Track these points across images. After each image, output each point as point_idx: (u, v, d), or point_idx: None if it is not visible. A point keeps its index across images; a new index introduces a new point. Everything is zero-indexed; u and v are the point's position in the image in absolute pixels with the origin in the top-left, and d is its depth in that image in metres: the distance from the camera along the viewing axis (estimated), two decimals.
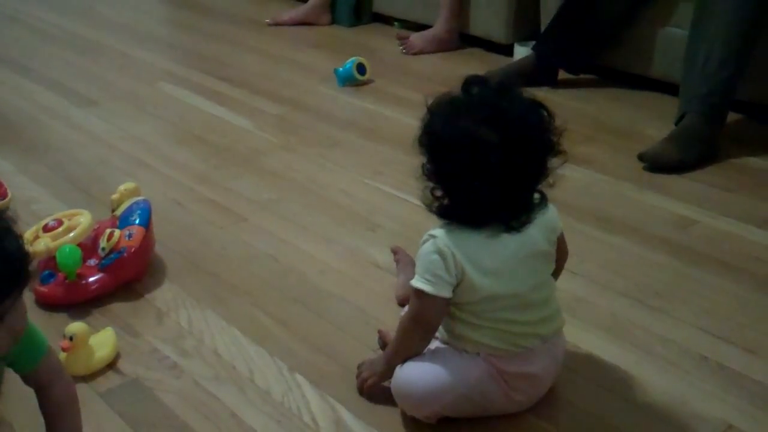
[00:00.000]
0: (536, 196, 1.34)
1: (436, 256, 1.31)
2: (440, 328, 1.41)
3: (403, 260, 1.82)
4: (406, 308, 1.59)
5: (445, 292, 1.32)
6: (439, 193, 1.33)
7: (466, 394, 1.37)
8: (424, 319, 1.37)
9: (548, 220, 1.37)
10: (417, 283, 1.34)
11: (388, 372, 1.43)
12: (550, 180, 1.32)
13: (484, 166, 1.24)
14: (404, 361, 1.41)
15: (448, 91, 1.33)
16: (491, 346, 1.36)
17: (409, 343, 1.41)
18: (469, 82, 1.31)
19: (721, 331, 1.64)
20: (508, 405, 1.40)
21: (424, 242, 1.34)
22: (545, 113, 1.29)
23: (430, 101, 1.33)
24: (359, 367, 1.51)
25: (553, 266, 1.42)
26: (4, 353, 1.21)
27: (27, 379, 1.31)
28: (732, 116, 2.51)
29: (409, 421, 1.42)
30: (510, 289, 1.33)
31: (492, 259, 1.32)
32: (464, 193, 1.29)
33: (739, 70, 2.38)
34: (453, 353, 1.39)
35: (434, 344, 1.42)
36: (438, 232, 1.33)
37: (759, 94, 2.57)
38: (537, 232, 1.35)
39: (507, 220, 1.31)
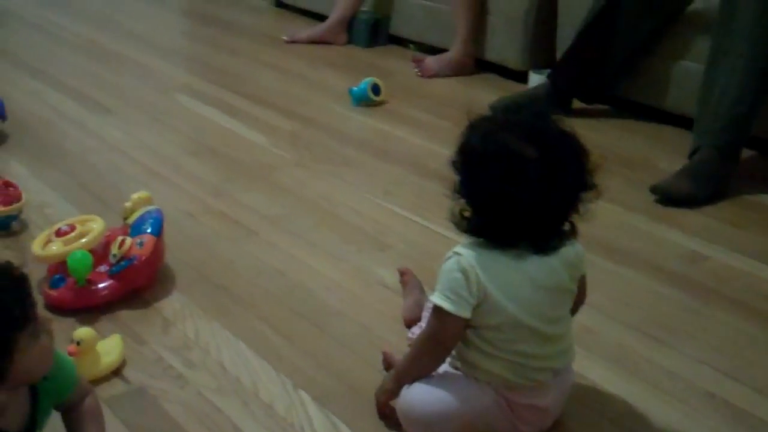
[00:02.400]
0: (567, 226, 1.34)
1: (459, 275, 1.30)
2: (452, 352, 1.40)
3: (411, 282, 1.81)
4: (413, 330, 1.60)
5: (465, 312, 1.31)
6: (467, 213, 1.32)
7: (471, 420, 1.37)
8: (440, 338, 1.36)
9: (575, 258, 1.36)
10: (437, 299, 1.33)
11: (397, 390, 1.42)
12: (581, 210, 1.32)
13: (521, 180, 1.24)
14: (414, 380, 1.40)
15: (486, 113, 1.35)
16: (504, 377, 1.35)
17: (421, 361, 1.40)
18: (501, 108, 1.32)
19: (728, 368, 1.64)
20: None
21: (448, 259, 1.33)
22: (582, 146, 1.31)
23: (470, 121, 1.34)
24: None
25: (572, 303, 1.41)
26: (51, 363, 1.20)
27: (60, 405, 1.31)
28: (746, 152, 2.51)
29: None
30: (530, 318, 1.32)
31: (515, 284, 1.31)
32: (498, 209, 1.28)
33: (754, 107, 2.38)
34: (462, 379, 1.38)
35: (443, 368, 1.42)
36: (463, 251, 1.32)
37: None
38: (562, 268, 1.34)
39: (536, 241, 1.30)
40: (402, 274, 1.85)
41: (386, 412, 1.46)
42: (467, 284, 1.30)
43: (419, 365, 1.40)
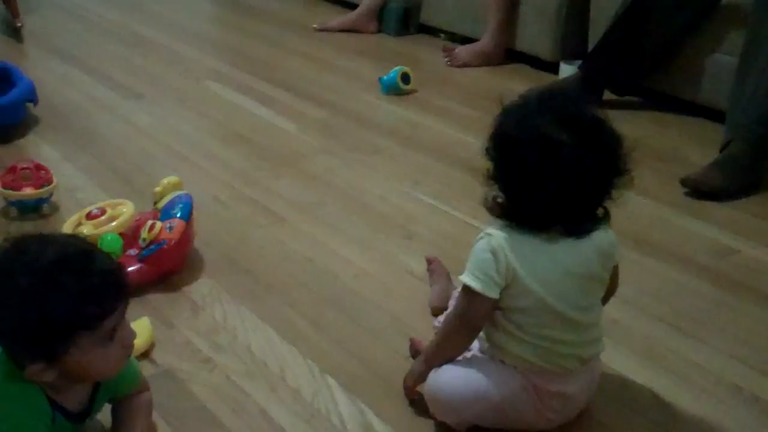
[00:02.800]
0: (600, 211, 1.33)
1: (488, 255, 1.31)
2: (480, 335, 1.40)
3: (438, 271, 1.82)
4: (440, 318, 1.60)
5: (493, 293, 1.31)
6: (500, 199, 1.32)
7: (498, 404, 1.37)
8: (468, 317, 1.36)
9: (608, 247, 1.36)
10: (466, 278, 1.33)
11: (426, 372, 1.42)
12: (614, 196, 1.31)
13: (556, 166, 1.24)
14: (443, 362, 1.40)
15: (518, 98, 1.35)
16: (531, 362, 1.35)
17: (451, 342, 1.40)
18: (539, 93, 1.33)
19: (757, 361, 1.63)
20: (538, 421, 1.40)
21: (479, 239, 1.34)
22: (616, 132, 1.30)
23: (503, 107, 1.34)
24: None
25: (603, 292, 1.40)
26: (120, 369, 1.24)
27: (115, 399, 1.35)
28: None
29: (437, 428, 1.42)
30: (559, 303, 1.32)
31: (546, 268, 1.31)
32: (532, 194, 1.28)
33: None
34: (491, 363, 1.38)
35: (472, 352, 1.42)
36: (494, 231, 1.32)
37: None
38: (594, 255, 1.34)
39: (568, 224, 1.30)
40: (429, 262, 1.85)
41: (414, 397, 1.47)
42: (496, 265, 1.30)
43: (448, 346, 1.41)
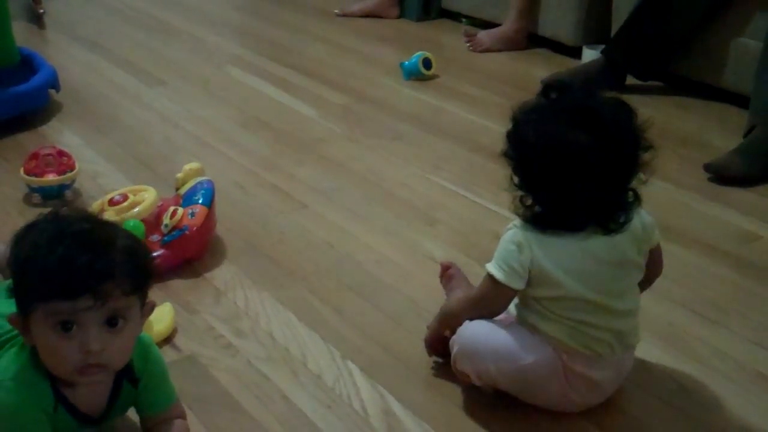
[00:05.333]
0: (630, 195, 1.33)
1: (513, 247, 1.32)
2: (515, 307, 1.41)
3: (457, 276, 1.65)
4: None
5: (515, 284, 1.33)
6: (529, 201, 1.33)
7: (525, 368, 1.36)
8: (488, 303, 1.39)
9: (642, 231, 1.36)
10: (491, 268, 1.35)
11: (436, 329, 1.48)
12: (643, 177, 1.31)
13: (579, 169, 1.25)
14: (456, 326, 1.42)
15: (528, 99, 1.34)
16: (561, 341, 1.35)
17: (466, 316, 1.41)
18: (550, 87, 1.33)
19: None
20: (561, 401, 1.40)
21: (508, 230, 1.35)
22: (630, 109, 1.30)
23: (513, 111, 1.33)
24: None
25: (640, 276, 1.40)
26: (70, 371, 1.19)
27: (146, 419, 1.33)
28: None
29: (458, 411, 1.43)
30: (593, 293, 1.32)
31: (574, 258, 1.32)
32: (559, 198, 1.29)
33: None
34: (523, 329, 1.38)
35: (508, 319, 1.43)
36: (522, 224, 1.33)
37: None
38: (626, 241, 1.34)
39: (604, 222, 1.31)
40: (445, 268, 1.68)
41: (436, 353, 1.51)
42: (519, 257, 1.31)
43: (463, 316, 1.42)
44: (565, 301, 1.33)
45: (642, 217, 1.36)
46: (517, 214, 1.34)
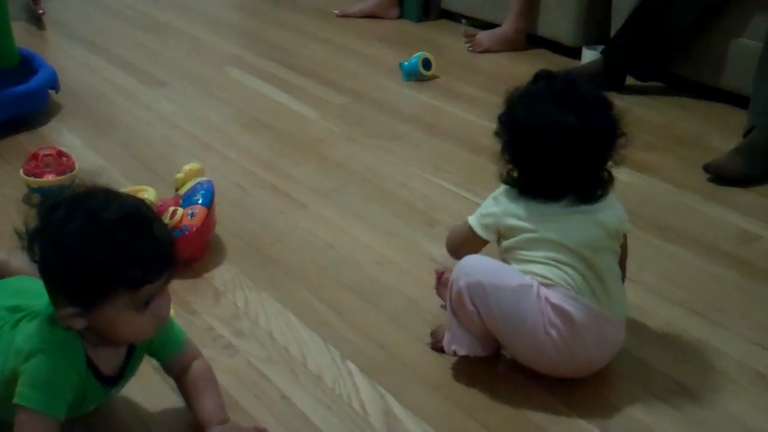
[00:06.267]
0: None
1: (490, 200, 1.51)
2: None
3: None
4: None
5: (486, 235, 1.51)
6: (516, 174, 1.48)
7: (509, 288, 1.43)
8: (458, 247, 1.58)
9: (617, 223, 1.48)
10: (471, 217, 1.53)
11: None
12: (617, 159, 1.46)
13: (565, 146, 1.40)
14: None
15: (519, 85, 1.49)
16: (539, 274, 1.44)
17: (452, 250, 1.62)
18: (539, 76, 1.48)
19: None
20: (539, 336, 1.43)
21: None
22: (608, 98, 1.47)
23: (505, 95, 1.49)
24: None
25: (615, 249, 1.49)
26: (148, 338, 1.28)
27: (169, 367, 1.38)
28: None
29: (457, 412, 1.43)
30: (565, 239, 1.43)
31: (547, 213, 1.45)
32: (543, 171, 1.44)
33: None
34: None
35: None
36: (504, 187, 1.50)
37: None
38: (600, 231, 1.46)
39: (581, 194, 1.45)
40: (439, 275, 1.71)
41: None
42: (494, 207, 1.49)
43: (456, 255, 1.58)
44: (540, 243, 1.44)
45: (616, 211, 1.49)
46: (503, 182, 1.49)
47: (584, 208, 1.45)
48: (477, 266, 1.47)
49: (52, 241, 1.19)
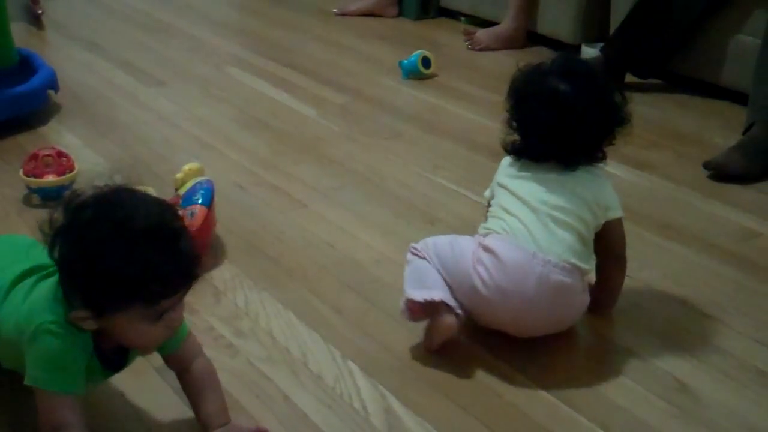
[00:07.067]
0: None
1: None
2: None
3: None
4: None
5: (488, 194, 1.66)
6: (514, 138, 1.61)
7: (447, 240, 1.60)
8: None
9: (592, 198, 1.55)
10: None
11: None
12: (614, 142, 1.58)
13: (557, 108, 1.53)
14: None
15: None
16: (486, 227, 1.56)
17: None
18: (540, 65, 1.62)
19: None
20: (471, 275, 1.51)
21: None
22: (611, 82, 1.61)
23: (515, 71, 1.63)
24: None
25: (586, 218, 1.54)
26: (156, 347, 1.29)
27: (169, 360, 1.38)
28: None
29: (457, 412, 1.43)
30: (523, 192, 1.55)
31: (527, 171, 1.58)
32: (530, 130, 1.58)
33: None
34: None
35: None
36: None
37: None
38: (577, 198, 1.54)
39: (564, 160, 1.56)
40: None
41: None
42: (497, 172, 1.65)
43: None
44: (507, 198, 1.56)
45: (603, 192, 1.58)
46: (503, 147, 1.62)
47: (567, 177, 1.55)
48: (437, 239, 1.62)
49: (76, 245, 1.18)
